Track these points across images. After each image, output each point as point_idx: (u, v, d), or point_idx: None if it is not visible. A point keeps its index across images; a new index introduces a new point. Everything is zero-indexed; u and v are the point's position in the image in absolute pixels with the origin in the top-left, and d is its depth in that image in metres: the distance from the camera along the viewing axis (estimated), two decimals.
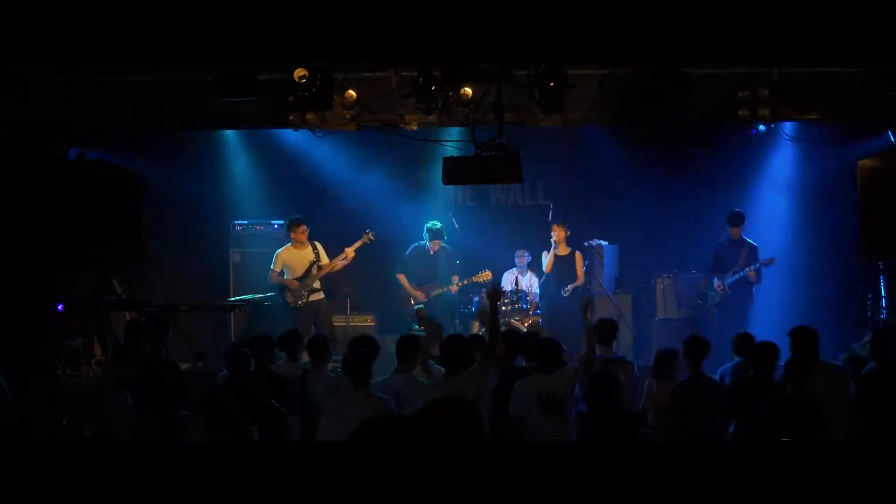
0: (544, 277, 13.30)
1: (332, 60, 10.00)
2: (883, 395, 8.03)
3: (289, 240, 13.16)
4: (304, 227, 12.99)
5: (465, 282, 13.24)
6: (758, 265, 12.44)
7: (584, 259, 13.32)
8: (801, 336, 8.45)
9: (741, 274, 12.51)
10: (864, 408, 8.07)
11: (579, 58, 9.53)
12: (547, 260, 13.21)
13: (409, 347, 8.44)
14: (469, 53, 8.99)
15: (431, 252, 13.32)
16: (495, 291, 8.31)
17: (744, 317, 12.22)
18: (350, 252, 12.99)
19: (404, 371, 8.30)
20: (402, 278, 13.37)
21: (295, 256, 13.08)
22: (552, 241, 13.11)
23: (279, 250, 13.15)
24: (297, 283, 12.97)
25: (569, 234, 13.15)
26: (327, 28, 8.35)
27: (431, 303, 13.33)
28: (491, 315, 7.94)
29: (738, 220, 12.71)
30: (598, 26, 8.34)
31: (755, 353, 8.34)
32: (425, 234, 13.33)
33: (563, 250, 13.17)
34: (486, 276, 13.17)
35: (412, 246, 13.46)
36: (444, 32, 8.35)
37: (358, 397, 7.60)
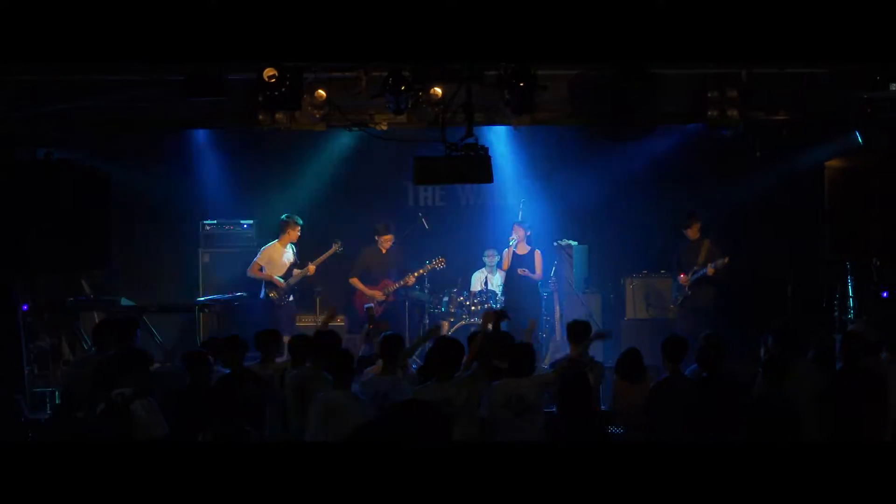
0: (504, 275, 13.36)
1: (301, 60, 9.96)
2: (850, 395, 8.11)
3: (276, 237, 13.13)
4: (299, 228, 12.98)
5: (422, 271, 13.23)
6: (714, 264, 12.45)
7: (553, 260, 13.42)
8: (783, 334, 8.49)
9: (701, 272, 12.53)
10: (833, 406, 8.14)
11: (549, 58, 9.54)
12: (504, 257, 13.29)
13: (392, 347, 8.35)
14: (439, 53, 8.98)
15: (383, 251, 13.25)
16: (502, 311, 8.54)
17: (705, 317, 12.16)
18: (311, 267, 12.98)
19: (390, 371, 8.23)
20: (355, 282, 13.25)
21: (280, 255, 13.06)
22: (510, 239, 13.17)
23: (266, 246, 13.14)
24: (284, 283, 12.92)
25: (528, 234, 13.24)
26: (297, 28, 8.32)
27: (401, 304, 13.30)
28: (494, 331, 8.10)
29: (688, 221, 12.79)
30: (568, 27, 8.36)
31: (701, 354, 8.41)
32: (375, 233, 13.24)
33: (523, 249, 13.25)
34: (440, 262, 13.20)
35: (362, 249, 13.37)
36: (414, 32, 8.34)
37: (338, 397, 7.56)
